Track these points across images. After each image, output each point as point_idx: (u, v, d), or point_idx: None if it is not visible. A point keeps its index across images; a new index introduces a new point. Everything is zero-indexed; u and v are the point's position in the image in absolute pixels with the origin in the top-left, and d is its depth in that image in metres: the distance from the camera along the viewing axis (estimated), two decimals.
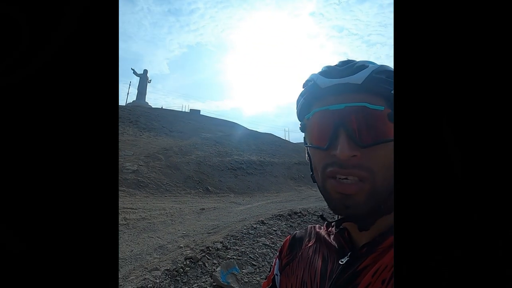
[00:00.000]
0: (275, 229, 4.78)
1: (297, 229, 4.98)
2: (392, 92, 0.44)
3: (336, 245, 0.50)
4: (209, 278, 3.34)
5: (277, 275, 0.59)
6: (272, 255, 4.03)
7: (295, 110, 0.53)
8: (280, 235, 4.63)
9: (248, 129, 20.07)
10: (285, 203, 6.88)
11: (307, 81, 0.49)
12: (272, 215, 5.31)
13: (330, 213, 5.68)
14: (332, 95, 0.45)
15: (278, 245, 4.31)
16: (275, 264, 0.60)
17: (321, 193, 0.48)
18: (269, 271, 0.61)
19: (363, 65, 0.45)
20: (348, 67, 0.46)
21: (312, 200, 7.55)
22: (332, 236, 0.52)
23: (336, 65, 0.48)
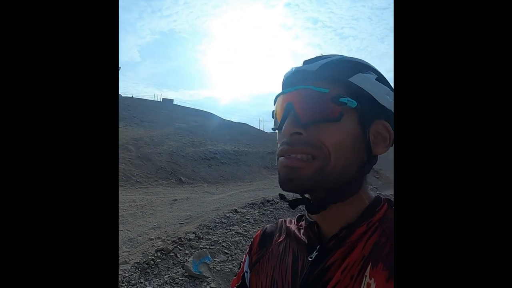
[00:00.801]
0: (248, 217, 4.81)
1: (269, 216, 5.05)
2: (350, 79, 0.45)
3: (305, 240, 0.49)
4: (181, 268, 3.29)
5: (247, 272, 0.57)
6: (244, 243, 4.06)
7: (273, 101, 0.54)
8: (253, 223, 4.66)
9: (223, 119, 19.84)
10: (258, 192, 6.93)
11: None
12: (245, 203, 5.33)
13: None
14: (291, 81, 0.48)
15: (251, 233, 4.35)
16: (245, 260, 0.59)
17: None
18: (239, 268, 0.60)
19: (326, 57, 0.48)
20: (315, 58, 0.49)
21: None
22: (302, 231, 0.51)
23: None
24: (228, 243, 3.97)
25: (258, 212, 5.08)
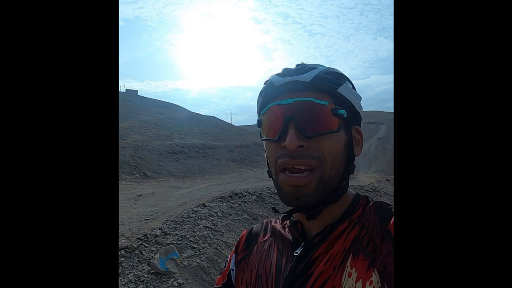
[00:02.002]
0: (216, 211, 4.77)
1: (237, 209, 5.05)
2: (338, 90, 0.48)
3: (290, 238, 0.52)
4: (147, 266, 3.17)
5: (232, 270, 0.59)
6: (212, 237, 4.02)
7: (256, 104, 0.55)
8: (221, 217, 4.63)
9: (191, 111, 19.30)
10: (226, 185, 6.89)
11: (266, 81, 0.53)
12: (213, 197, 5.27)
13: (268, 193, 5.90)
14: (285, 92, 0.49)
15: (219, 226, 4.32)
16: (231, 259, 0.60)
17: (275, 186, 0.50)
18: (224, 266, 0.61)
19: (313, 67, 0.50)
20: (301, 68, 0.50)
21: (252, 181, 7.73)
22: (286, 229, 0.54)
23: (292, 68, 0.52)
24: (196, 237, 3.90)
25: (226, 205, 5.05)
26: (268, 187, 6.12)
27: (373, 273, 0.39)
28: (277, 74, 0.51)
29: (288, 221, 0.55)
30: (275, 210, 0.57)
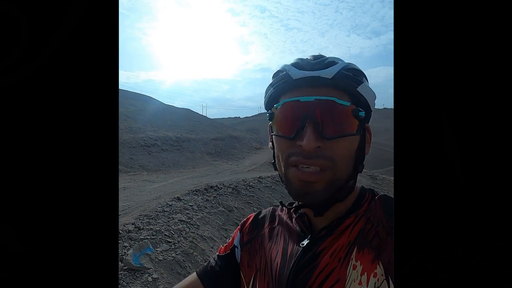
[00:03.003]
0: (191, 204, 4.70)
1: (213, 202, 5.01)
2: (357, 89, 0.46)
3: (297, 229, 0.52)
4: (120, 263, 3.06)
5: (237, 247, 0.59)
6: (188, 230, 3.97)
7: (274, 104, 0.50)
8: (197, 210, 4.57)
9: (164, 103, 18.65)
10: (201, 178, 6.81)
11: (279, 71, 0.49)
12: (188, 190, 5.18)
13: (243, 185, 5.91)
14: (303, 87, 0.45)
15: (194, 219, 4.26)
16: (235, 235, 0.61)
17: (281, 180, 0.49)
18: (228, 240, 0.62)
19: (333, 61, 0.47)
20: (320, 61, 0.47)
21: (227, 173, 7.70)
22: (293, 220, 0.53)
23: (307, 59, 0.49)
24: (171, 231, 3.82)
25: (201, 198, 4.99)
26: (243, 180, 6.13)
27: (377, 266, 0.39)
28: (293, 65, 0.48)
29: (293, 211, 0.55)
30: (282, 204, 0.57)
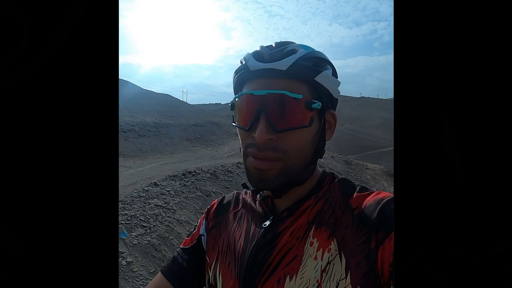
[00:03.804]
0: (168, 189, 4.64)
1: (191, 187, 4.98)
2: (315, 78, 0.45)
3: (260, 211, 0.53)
4: None
5: (203, 235, 0.59)
6: (164, 215, 3.94)
7: (234, 97, 0.51)
8: (174, 195, 4.54)
9: (142, 88, 17.95)
10: (179, 164, 6.72)
11: (241, 60, 0.50)
12: (165, 176, 5.10)
13: (222, 170, 5.91)
14: (258, 78, 0.46)
15: (171, 204, 4.23)
16: (201, 224, 0.61)
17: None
18: (193, 230, 0.61)
19: (292, 50, 0.46)
20: (279, 51, 0.47)
21: (206, 159, 7.65)
22: (257, 202, 0.55)
23: (269, 46, 0.49)
24: (147, 216, 3.78)
25: (179, 184, 4.94)
26: (222, 165, 6.12)
27: (332, 242, 0.43)
28: (253, 55, 0.48)
29: (258, 195, 0.56)
30: (245, 185, 0.58)
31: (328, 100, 0.48)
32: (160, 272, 0.59)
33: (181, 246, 0.60)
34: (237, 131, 0.50)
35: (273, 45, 0.49)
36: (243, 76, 0.49)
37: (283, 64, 0.45)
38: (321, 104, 0.46)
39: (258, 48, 0.50)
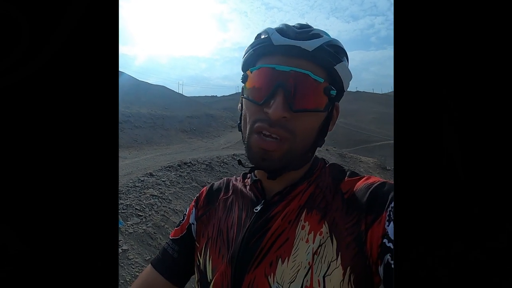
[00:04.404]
0: (164, 180, 4.65)
1: (186, 178, 4.99)
2: (335, 67, 0.45)
3: (251, 196, 0.52)
4: None
5: (193, 224, 0.58)
6: (160, 204, 3.95)
7: (250, 67, 0.48)
8: (169, 185, 4.54)
9: (138, 79, 17.70)
10: (175, 155, 6.70)
11: (261, 33, 0.48)
12: (161, 166, 5.09)
13: (217, 162, 5.92)
14: (282, 54, 0.44)
15: (166, 194, 4.24)
16: (190, 213, 0.59)
17: (243, 143, 0.48)
18: (182, 219, 0.60)
19: (318, 34, 0.46)
20: (304, 31, 0.46)
21: (202, 150, 7.65)
22: (247, 187, 0.54)
23: (293, 26, 0.47)
24: (142, 205, 3.79)
25: (174, 174, 4.95)
26: (217, 157, 6.13)
27: (323, 225, 0.43)
28: (276, 30, 0.46)
29: (249, 180, 0.55)
30: (240, 162, 0.56)
31: (339, 91, 0.48)
32: (150, 264, 0.57)
33: (170, 237, 0.59)
34: (245, 104, 0.49)
35: (296, 25, 0.48)
36: (262, 49, 0.46)
37: (310, 45, 0.44)
38: (336, 93, 0.46)
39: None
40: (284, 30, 0.46)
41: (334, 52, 0.46)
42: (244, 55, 0.50)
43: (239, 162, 0.57)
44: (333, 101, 0.47)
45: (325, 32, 0.48)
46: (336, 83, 0.46)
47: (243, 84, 0.49)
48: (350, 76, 0.49)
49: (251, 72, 0.47)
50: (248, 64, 0.49)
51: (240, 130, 0.51)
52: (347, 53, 0.50)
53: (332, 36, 0.48)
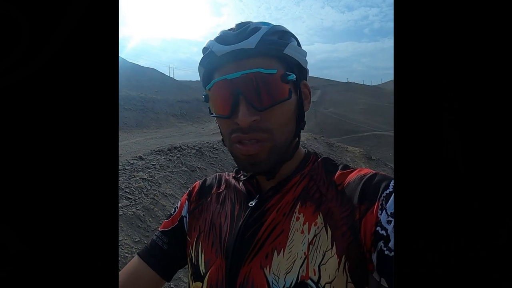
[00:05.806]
0: (154, 163, 4.61)
1: (176, 162, 4.97)
2: (284, 51, 0.45)
3: (244, 191, 0.52)
4: None
5: (185, 217, 0.58)
6: (149, 188, 3.94)
7: (206, 85, 0.48)
8: (159, 169, 4.52)
9: (127, 61, 17.11)
10: (165, 139, 6.63)
11: (204, 48, 0.48)
12: (151, 150, 5.04)
13: (207, 147, 5.90)
14: (229, 62, 0.44)
15: (156, 177, 4.22)
16: (182, 206, 0.59)
17: (232, 157, 0.49)
18: (174, 212, 0.59)
19: (255, 28, 0.45)
20: (242, 31, 0.45)
21: (192, 135, 7.58)
22: (241, 183, 0.54)
23: (231, 29, 0.48)
24: (132, 188, 3.77)
25: (164, 158, 4.91)
26: (208, 142, 6.10)
27: (318, 216, 0.44)
28: (216, 40, 0.46)
29: (242, 175, 0.55)
30: (238, 172, 0.56)
31: (299, 71, 0.48)
32: (137, 256, 0.56)
33: (160, 229, 0.58)
34: (217, 122, 0.49)
35: (234, 27, 0.48)
36: (210, 64, 0.47)
37: (251, 42, 0.43)
38: (295, 76, 0.46)
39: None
40: (223, 38, 0.46)
41: (278, 38, 0.46)
42: (199, 74, 0.50)
43: (237, 172, 0.57)
44: (297, 83, 0.47)
45: (265, 22, 0.48)
46: (293, 65, 0.47)
47: (208, 104, 0.49)
48: (304, 53, 0.49)
49: (209, 90, 0.47)
50: (205, 83, 0.49)
51: (225, 145, 0.51)
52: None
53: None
